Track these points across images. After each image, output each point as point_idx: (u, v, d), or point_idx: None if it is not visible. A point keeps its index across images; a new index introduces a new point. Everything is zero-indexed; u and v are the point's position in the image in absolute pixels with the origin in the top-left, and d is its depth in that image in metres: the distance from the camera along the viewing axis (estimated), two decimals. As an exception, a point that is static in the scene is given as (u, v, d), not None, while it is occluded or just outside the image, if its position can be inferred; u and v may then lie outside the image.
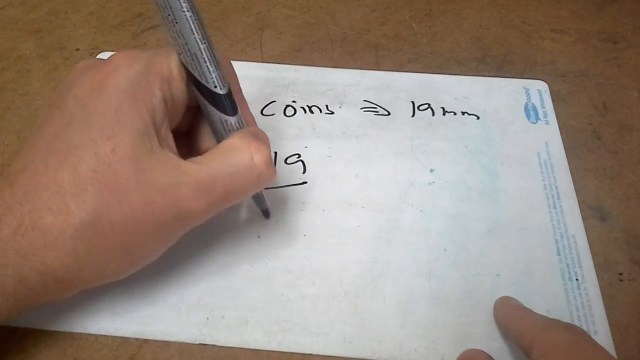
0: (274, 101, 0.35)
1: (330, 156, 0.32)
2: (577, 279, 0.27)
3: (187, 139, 0.26)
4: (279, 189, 0.31)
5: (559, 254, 0.28)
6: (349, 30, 0.42)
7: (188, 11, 0.21)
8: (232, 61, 0.26)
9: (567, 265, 0.28)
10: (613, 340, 0.25)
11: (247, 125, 0.25)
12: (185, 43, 0.22)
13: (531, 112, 0.35)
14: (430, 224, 0.30)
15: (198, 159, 0.22)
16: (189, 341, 0.25)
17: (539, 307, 0.26)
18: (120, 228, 0.21)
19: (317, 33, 0.42)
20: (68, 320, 0.25)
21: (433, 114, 0.35)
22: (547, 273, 0.27)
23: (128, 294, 0.26)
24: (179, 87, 0.23)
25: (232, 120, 0.24)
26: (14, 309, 0.21)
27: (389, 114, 0.35)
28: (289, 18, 0.43)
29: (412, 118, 0.35)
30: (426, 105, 0.36)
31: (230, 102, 0.24)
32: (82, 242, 0.20)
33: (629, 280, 0.28)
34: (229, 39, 0.41)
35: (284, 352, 0.25)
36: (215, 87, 0.23)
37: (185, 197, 0.21)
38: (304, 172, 0.32)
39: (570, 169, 0.32)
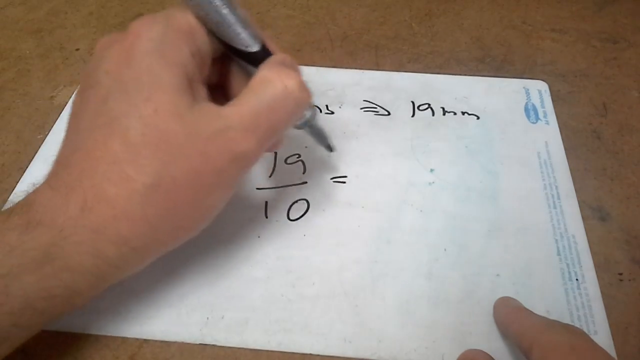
0: (274, 101, 0.35)
1: (330, 156, 0.32)
2: (577, 279, 0.27)
3: (218, 90, 0.26)
4: (279, 189, 0.31)
5: (559, 254, 0.28)
6: (349, 30, 0.42)
7: None
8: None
9: (567, 265, 0.28)
10: (613, 340, 0.25)
11: (273, 53, 0.25)
12: (206, 14, 0.22)
13: (531, 112, 0.35)
14: (430, 224, 0.30)
15: (234, 101, 0.22)
16: (189, 341, 0.25)
17: (539, 307, 0.26)
18: (182, 183, 0.21)
19: (317, 33, 0.42)
20: (68, 320, 0.25)
21: (433, 114, 0.35)
22: (547, 273, 0.27)
23: (128, 294, 0.26)
24: (201, 39, 0.23)
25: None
26: (94, 287, 0.21)
27: (389, 114, 0.35)
28: (289, 18, 0.43)
29: (412, 118, 0.35)
30: (426, 105, 0.36)
31: (264, 53, 0.24)
32: (151, 206, 0.20)
33: (629, 280, 0.27)
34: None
35: (284, 352, 0.25)
36: (247, 47, 0.23)
37: (234, 139, 0.21)
38: (304, 172, 0.32)
39: (570, 169, 0.32)
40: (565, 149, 0.33)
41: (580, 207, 0.30)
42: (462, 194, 0.31)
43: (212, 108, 0.22)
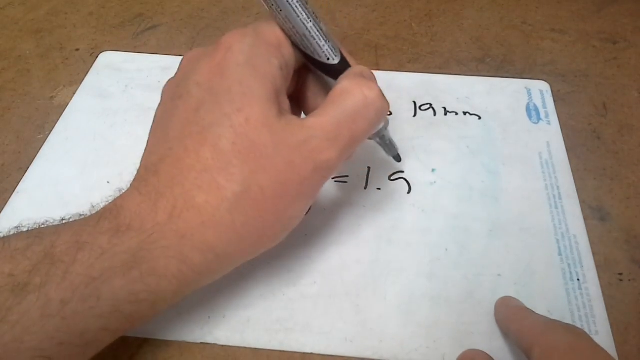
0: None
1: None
2: (578, 279, 0.27)
3: (292, 101, 0.26)
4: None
5: (560, 254, 0.28)
6: (349, 30, 0.42)
7: None
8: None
9: (569, 265, 0.28)
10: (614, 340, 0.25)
11: (351, 65, 0.25)
12: (293, 26, 0.23)
13: (533, 112, 0.35)
14: (431, 224, 0.30)
15: (316, 112, 0.23)
16: (190, 340, 0.25)
17: (541, 307, 0.26)
18: (269, 193, 0.21)
19: (318, 33, 0.41)
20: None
21: (435, 114, 0.35)
22: (548, 273, 0.27)
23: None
24: (288, 52, 0.23)
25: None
26: (177, 293, 0.22)
27: (390, 113, 0.35)
28: (290, 18, 0.43)
29: (414, 118, 0.35)
30: (428, 105, 0.36)
31: (343, 65, 0.24)
32: (239, 214, 0.21)
33: (629, 280, 0.28)
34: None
35: (285, 352, 0.25)
36: (328, 59, 0.24)
37: (318, 149, 0.22)
38: (304, 172, 0.32)
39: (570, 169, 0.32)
40: (565, 149, 0.33)
41: (580, 207, 0.30)
42: (463, 194, 0.31)
43: (295, 119, 0.22)
